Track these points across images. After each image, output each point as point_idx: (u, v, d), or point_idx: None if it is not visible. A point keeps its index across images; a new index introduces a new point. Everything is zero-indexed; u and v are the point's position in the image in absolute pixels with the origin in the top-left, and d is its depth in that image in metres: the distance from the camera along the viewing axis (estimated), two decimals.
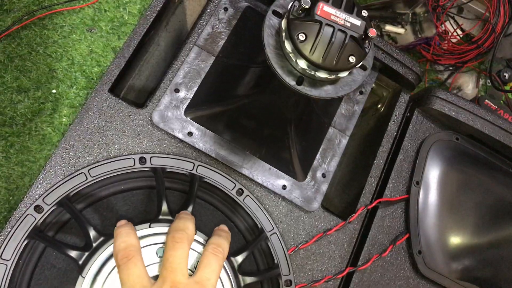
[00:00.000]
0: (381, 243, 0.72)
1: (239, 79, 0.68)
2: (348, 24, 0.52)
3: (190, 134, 0.66)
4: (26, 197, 0.59)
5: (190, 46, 0.70)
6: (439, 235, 0.74)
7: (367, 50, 0.53)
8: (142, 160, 0.62)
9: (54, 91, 1.03)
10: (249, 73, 0.67)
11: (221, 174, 0.64)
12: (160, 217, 0.55)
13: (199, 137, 0.66)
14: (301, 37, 0.51)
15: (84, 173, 0.60)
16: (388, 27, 1.30)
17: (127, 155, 0.63)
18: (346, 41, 0.51)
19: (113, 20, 1.09)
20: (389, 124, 0.77)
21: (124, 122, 0.65)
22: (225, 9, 0.72)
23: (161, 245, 0.52)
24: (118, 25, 1.09)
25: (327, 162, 0.71)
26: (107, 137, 0.64)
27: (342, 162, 0.81)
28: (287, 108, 0.65)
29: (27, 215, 0.57)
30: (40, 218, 0.57)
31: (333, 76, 0.54)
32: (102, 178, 0.60)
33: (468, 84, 1.35)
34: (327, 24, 0.51)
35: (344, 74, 0.54)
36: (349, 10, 0.52)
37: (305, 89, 0.54)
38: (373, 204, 0.72)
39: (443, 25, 1.38)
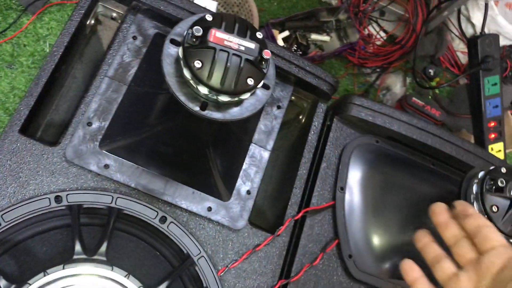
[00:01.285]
0: (312, 252, 0.74)
1: (151, 107, 0.68)
2: (242, 48, 0.53)
3: (106, 166, 0.65)
4: None
5: (100, 77, 0.69)
6: (367, 237, 0.77)
7: (264, 70, 0.55)
8: (58, 199, 0.61)
9: None
10: (160, 100, 0.67)
11: (142, 204, 0.64)
12: (74, 256, 0.55)
13: (116, 168, 0.65)
14: (197, 64, 0.52)
15: None
16: (314, 36, 1.34)
17: (42, 195, 0.62)
18: (241, 65, 0.53)
19: (33, 54, 1.08)
20: (309, 135, 0.79)
21: (38, 162, 0.64)
22: (134, 38, 0.72)
23: (73, 287, 0.51)
24: (39, 58, 1.08)
25: (251, 179, 0.72)
26: (21, 178, 0.63)
27: (271, 176, 0.82)
28: (202, 131, 0.66)
29: None
30: None
31: (236, 99, 0.55)
32: (17, 221, 0.59)
33: (396, 84, 1.40)
34: (221, 50, 0.52)
35: (246, 95, 0.55)
36: (242, 34, 0.54)
37: (209, 113, 0.55)
38: (299, 215, 0.73)
39: (366, 29, 1.42)
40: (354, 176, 0.79)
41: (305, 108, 0.85)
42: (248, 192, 0.71)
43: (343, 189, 0.77)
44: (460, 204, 0.59)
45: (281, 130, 0.77)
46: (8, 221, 0.59)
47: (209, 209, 0.68)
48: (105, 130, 0.67)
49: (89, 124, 0.66)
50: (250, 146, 0.74)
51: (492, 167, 0.68)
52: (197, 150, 0.69)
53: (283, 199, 0.77)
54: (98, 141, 0.66)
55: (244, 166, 0.73)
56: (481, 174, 0.68)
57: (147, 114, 0.68)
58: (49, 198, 0.61)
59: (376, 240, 0.77)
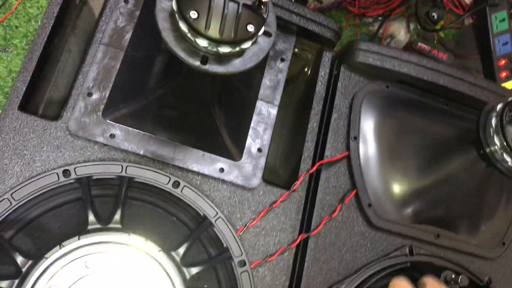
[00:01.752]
0: (330, 204, 0.72)
1: (151, 70, 0.66)
2: None
3: (112, 136, 0.63)
4: None
5: (96, 45, 0.67)
6: (386, 184, 0.75)
7: (264, 15, 0.52)
8: (66, 173, 0.60)
9: None
10: (159, 61, 0.65)
11: (153, 171, 0.63)
12: (89, 227, 0.53)
13: (123, 137, 0.64)
14: (193, 15, 0.49)
15: (8, 199, 0.58)
16: None
17: (50, 170, 0.60)
18: (239, 11, 0.50)
19: (26, 35, 1.05)
20: (317, 86, 0.76)
21: (41, 137, 0.62)
22: (126, 1, 0.69)
23: (91, 255, 0.50)
24: (33, 39, 1.04)
25: (261, 136, 0.70)
26: (26, 156, 0.61)
27: (281, 134, 0.80)
28: (205, 89, 0.64)
29: None
30: None
31: (237, 49, 0.52)
32: (27, 199, 0.58)
33: (400, 31, 1.35)
34: None
35: (247, 44, 0.53)
36: None
37: (211, 67, 0.52)
38: (314, 168, 0.71)
39: None
40: (367, 124, 0.77)
41: (309, 60, 0.82)
42: (259, 150, 0.69)
43: (356, 138, 0.75)
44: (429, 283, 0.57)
45: (287, 87, 0.75)
46: (18, 199, 0.58)
47: (221, 170, 0.67)
48: (106, 99, 0.64)
49: (90, 94, 0.64)
50: (257, 103, 0.71)
51: (511, 98, 0.65)
52: (203, 111, 0.66)
53: (295, 154, 0.75)
54: (101, 111, 0.64)
55: (252, 124, 0.70)
56: (499, 106, 0.65)
57: (147, 78, 0.66)
58: (57, 173, 0.59)
59: (395, 187, 0.75)
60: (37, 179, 0.59)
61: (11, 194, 0.58)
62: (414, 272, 0.71)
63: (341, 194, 0.73)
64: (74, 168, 0.60)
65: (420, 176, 0.76)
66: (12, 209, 0.57)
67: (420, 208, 0.75)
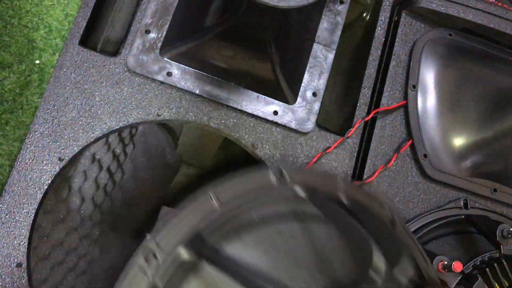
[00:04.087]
0: (384, 154, 0.70)
1: (209, 7, 0.65)
2: None
3: (169, 74, 0.64)
4: (17, 162, 0.59)
5: None
6: (443, 136, 0.72)
7: None
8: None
9: (37, 61, 1.01)
10: None
11: None
12: None
13: (180, 76, 0.64)
14: None
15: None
16: None
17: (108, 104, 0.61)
18: None
19: None
20: (376, 31, 0.73)
21: (100, 73, 0.63)
22: None
23: None
24: None
25: (316, 81, 0.69)
26: (86, 90, 0.62)
27: (336, 81, 0.78)
28: (263, 28, 0.62)
29: None
30: None
31: None
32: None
33: None
34: None
35: None
36: None
37: (272, 0, 0.51)
38: (370, 115, 0.70)
39: None
40: (427, 73, 0.74)
41: (369, 4, 0.79)
42: (314, 94, 0.68)
43: (415, 87, 0.73)
44: None
45: (344, 33, 0.72)
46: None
47: (275, 113, 0.66)
48: (164, 37, 0.64)
49: (147, 31, 0.64)
50: (314, 46, 0.69)
51: None
52: (259, 51, 0.65)
53: (350, 101, 0.73)
54: (158, 49, 0.64)
55: (308, 67, 0.69)
56: None
57: (205, 15, 0.65)
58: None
59: (453, 139, 0.73)
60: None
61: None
62: (468, 226, 0.70)
63: (396, 144, 0.71)
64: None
65: (480, 128, 0.73)
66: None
67: (478, 161, 0.72)
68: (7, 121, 0.97)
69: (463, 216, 0.69)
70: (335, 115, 0.75)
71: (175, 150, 0.93)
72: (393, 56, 0.73)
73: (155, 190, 0.96)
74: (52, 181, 0.60)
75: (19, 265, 0.57)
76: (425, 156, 0.70)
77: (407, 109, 0.72)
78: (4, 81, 1.00)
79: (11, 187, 0.58)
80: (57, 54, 1.00)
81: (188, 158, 0.97)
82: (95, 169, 0.77)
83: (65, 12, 1.04)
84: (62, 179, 0.68)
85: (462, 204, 0.70)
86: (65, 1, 1.04)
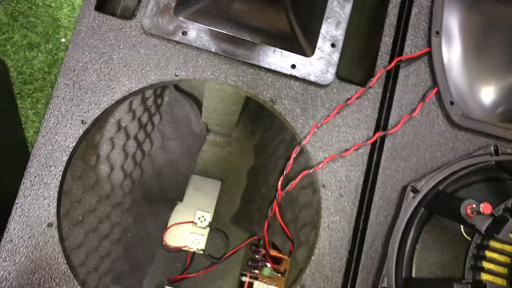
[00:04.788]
0: (408, 103, 0.69)
1: None
2: None
3: (184, 33, 0.64)
4: (41, 127, 0.60)
5: None
6: (470, 82, 0.70)
7: None
8: None
9: (63, 40, 1.03)
10: None
11: None
12: None
13: (195, 34, 0.64)
14: None
15: None
16: None
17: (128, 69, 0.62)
18: None
19: None
20: None
21: (117, 36, 0.64)
22: None
23: None
24: None
25: (334, 31, 0.67)
26: (104, 54, 0.63)
27: (357, 34, 0.77)
28: None
29: None
30: None
31: None
32: None
33: None
34: None
35: None
36: None
37: None
38: (392, 64, 0.68)
39: None
40: (451, 18, 0.71)
41: None
42: (333, 45, 0.67)
43: (438, 33, 0.70)
44: None
45: None
46: None
47: (293, 66, 0.65)
48: None
49: None
50: None
51: None
52: (274, 4, 0.64)
53: (372, 51, 0.71)
54: (172, 9, 0.64)
55: (325, 18, 0.67)
56: None
57: None
58: None
59: (480, 84, 0.70)
60: None
61: None
62: (499, 172, 0.68)
63: (421, 92, 0.69)
64: None
65: (509, 72, 0.70)
66: None
67: (507, 106, 0.69)
68: (37, 99, 1.00)
69: (493, 162, 0.67)
70: (357, 67, 0.74)
71: (200, 118, 0.94)
72: (414, 3, 0.71)
73: (184, 159, 0.98)
74: (77, 144, 0.61)
75: (50, 224, 0.59)
76: (452, 103, 0.68)
77: (431, 56, 0.69)
78: (33, 60, 1.03)
79: (38, 151, 0.60)
80: None
81: (213, 126, 0.97)
82: (122, 137, 0.78)
83: None
84: (88, 144, 0.70)
85: (492, 150, 0.68)
86: None
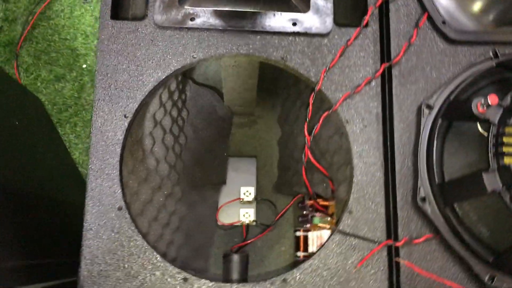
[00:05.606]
0: (405, 32, 0.75)
1: None
2: None
3: (192, 19, 0.72)
4: (92, 129, 0.69)
5: None
6: None
7: None
8: None
9: (84, 66, 1.13)
10: None
11: None
12: None
13: (202, 18, 0.72)
14: None
15: None
16: None
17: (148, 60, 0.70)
18: None
19: None
20: None
21: (136, 36, 0.72)
22: None
23: None
24: None
25: None
26: (129, 54, 0.72)
27: None
28: None
29: None
30: None
31: None
32: None
33: None
34: None
35: None
36: None
37: None
38: (380, 0, 0.74)
39: None
40: None
41: None
42: None
43: None
44: None
45: None
46: None
47: (294, 24, 0.72)
48: None
49: None
50: None
51: None
52: None
53: None
54: (177, 0, 0.72)
55: None
56: None
57: None
58: None
59: None
60: None
61: None
62: (503, 72, 0.73)
63: (414, 20, 0.75)
64: None
65: None
66: None
67: (495, 10, 0.74)
68: (75, 123, 1.10)
69: (494, 64, 0.72)
70: (352, 10, 0.80)
71: (223, 103, 1.02)
72: None
73: (218, 145, 1.05)
74: (125, 137, 0.70)
75: (120, 208, 0.67)
76: (444, 22, 0.74)
77: None
78: (62, 90, 1.13)
79: (94, 148, 0.68)
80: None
81: (236, 107, 1.05)
82: (159, 132, 0.86)
83: (93, 16, 1.15)
84: (133, 140, 0.78)
85: (491, 54, 0.73)
86: (91, 7, 1.15)
